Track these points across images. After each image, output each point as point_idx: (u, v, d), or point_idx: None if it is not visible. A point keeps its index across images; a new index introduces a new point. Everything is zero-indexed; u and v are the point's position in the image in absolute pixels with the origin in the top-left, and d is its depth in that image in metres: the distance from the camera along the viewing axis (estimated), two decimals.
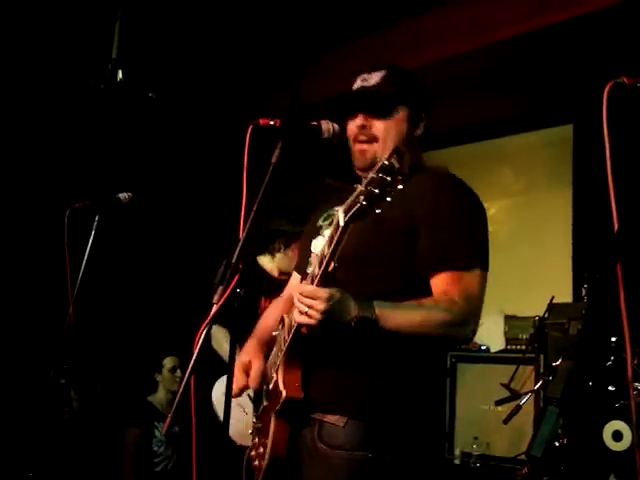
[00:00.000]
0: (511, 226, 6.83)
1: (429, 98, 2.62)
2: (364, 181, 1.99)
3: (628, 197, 2.18)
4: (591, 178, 6.21)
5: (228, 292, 2.11)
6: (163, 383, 5.90)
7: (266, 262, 4.37)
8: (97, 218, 3.73)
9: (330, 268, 2.16)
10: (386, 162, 1.95)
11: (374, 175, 1.96)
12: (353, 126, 2.52)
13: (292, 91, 6.90)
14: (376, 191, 1.95)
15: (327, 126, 2.42)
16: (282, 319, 2.47)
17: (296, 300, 2.14)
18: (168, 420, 2.24)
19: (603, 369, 4.18)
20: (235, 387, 2.43)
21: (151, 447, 5.64)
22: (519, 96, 6.59)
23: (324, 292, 2.10)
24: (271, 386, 2.44)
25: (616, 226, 2.07)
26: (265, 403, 2.51)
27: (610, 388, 4.12)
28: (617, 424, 3.89)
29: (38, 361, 4.17)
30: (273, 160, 2.32)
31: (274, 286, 4.20)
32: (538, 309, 5.37)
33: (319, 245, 2.52)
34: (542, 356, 5.32)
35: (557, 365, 3.99)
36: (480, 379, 5.78)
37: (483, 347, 6.08)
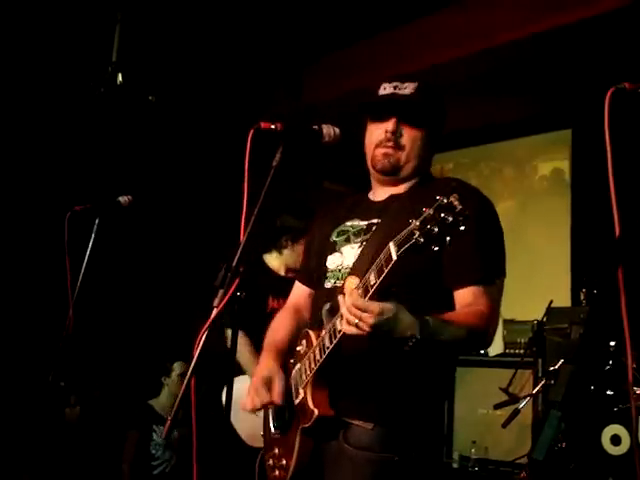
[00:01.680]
0: (510, 230, 6.82)
1: (446, 115, 2.65)
2: (420, 216, 1.96)
3: (628, 202, 2.19)
4: (590, 182, 6.23)
5: (229, 295, 2.11)
6: (169, 387, 5.89)
7: (273, 260, 4.34)
8: (97, 221, 3.72)
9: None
10: (445, 200, 1.93)
11: (431, 212, 1.94)
12: (380, 130, 2.51)
13: (293, 93, 6.91)
14: (435, 230, 1.93)
15: (328, 130, 2.42)
16: (307, 335, 2.48)
17: (345, 310, 2.11)
18: (167, 424, 2.23)
19: (602, 373, 4.19)
20: (258, 402, 2.45)
21: (149, 450, 5.64)
22: (518, 101, 6.61)
23: (377, 306, 2.07)
24: (297, 402, 2.44)
25: (617, 231, 2.07)
26: (287, 416, 2.51)
27: (609, 392, 4.13)
28: (615, 428, 3.90)
29: (38, 364, 4.16)
30: (274, 164, 2.32)
31: (281, 285, 4.21)
32: (536, 313, 5.39)
33: (337, 261, 2.55)
34: (540, 360, 5.32)
35: (557, 369, 4.01)
36: (478, 383, 5.79)
37: (482, 351, 6.09)
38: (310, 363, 2.39)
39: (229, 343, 3.53)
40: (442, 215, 1.92)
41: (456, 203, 1.92)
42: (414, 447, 2.34)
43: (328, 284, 2.54)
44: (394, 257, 2.02)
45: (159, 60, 5.81)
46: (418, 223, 1.96)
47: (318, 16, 5.92)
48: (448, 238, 1.94)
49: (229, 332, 3.47)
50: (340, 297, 2.17)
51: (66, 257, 3.66)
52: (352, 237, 2.56)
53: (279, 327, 2.75)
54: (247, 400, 2.51)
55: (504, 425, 4.46)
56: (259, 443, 2.77)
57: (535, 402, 4.96)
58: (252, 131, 2.33)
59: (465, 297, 2.37)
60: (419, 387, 2.38)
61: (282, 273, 4.30)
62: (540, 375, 5.13)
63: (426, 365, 2.37)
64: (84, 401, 5.80)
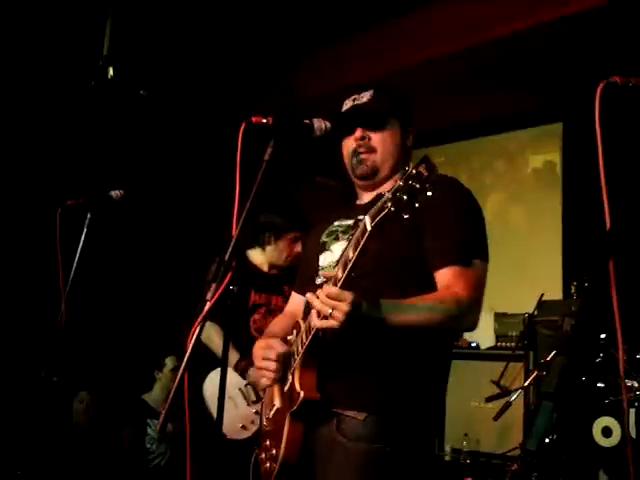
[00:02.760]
0: (501, 224, 6.86)
1: (412, 111, 2.76)
2: (392, 188, 2.05)
3: (618, 195, 2.20)
4: (581, 176, 6.25)
5: (221, 289, 2.12)
6: (162, 381, 5.90)
7: (256, 256, 4.33)
8: (89, 216, 3.72)
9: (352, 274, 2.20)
10: (414, 171, 2.02)
11: (401, 183, 2.02)
12: (351, 140, 2.65)
13: (284, 88, 6.90)
14: (405, 197, 2.01)
15: (319, 124, 2.45)
16: (297, 324, 2.52)
17: (317, 302, 2.17)
18: (161, 418, 2.23)
19: (593, 366, 4.21)
20: (271, 364, 2.49)
21: (144, 445, 5.65)
22: (510, 94, 6.62)
23: (349, 295, 2.15)
24: (286, 388, 2.47)
25: (608, 224, 2.09)
26: (278, 405, 2.53)
27: (600, 385, 4.15)
28: (606, 420, 3.92)
29: (30, 359, 4.15)
30: (266, 158, 2.34)
31: (264, 280, 4.22)
32: (528, 306, 5.41)
33: (329, 258, 2.63)
34: (532, 353, 5.35)
35: (550, 360, 4.03)
36: (470, 376, 5.80)
37: (473, 344, 6.11)
38: (297, 348, 2.43)
39: (203, 336, 3.54)
40: (410, 183, 2.01)
41: (423, 171, 2.01)
42: (407, 438, 2.37)
43: (319, 280, 2.60)
44: (368, 227, 2.09)
45: (150, 54, 5.79)
46: (390, 195, 2.04)
47: (310, 10, 5.91)
48: (417, 204, 2.01)
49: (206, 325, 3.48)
50: (310, 295, 2.23)
51: (58, 252, 3.66)
52: (340, 235, 2.65)
53: (275, 327, 2.84)
54: (260, 378, 2.58)
55: (496, 418, 4.48)
56: (238, 435, 2.79)
57: (527, 395, 4.99)
58: (243, 125, 2.34)
59: (443, 279, 2.41)
60: (410, 374, 2.40)
61: (265, 269, 4.29)
62: (531, 368, 5.16)
63: (415, 351, 2.40)
64: (95, 398, 5.82)
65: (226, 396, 2.17)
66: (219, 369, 3.75)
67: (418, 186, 2.00)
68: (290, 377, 2.44)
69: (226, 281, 2.13)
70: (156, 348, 6.03)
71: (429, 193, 2.01)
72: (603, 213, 2.10)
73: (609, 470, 3.87)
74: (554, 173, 6.95)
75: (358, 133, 2.62)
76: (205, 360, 3.68)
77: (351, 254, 2.17)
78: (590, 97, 2.09)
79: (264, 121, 2.36)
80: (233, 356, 3.88)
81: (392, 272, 2.42)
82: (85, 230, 3.71)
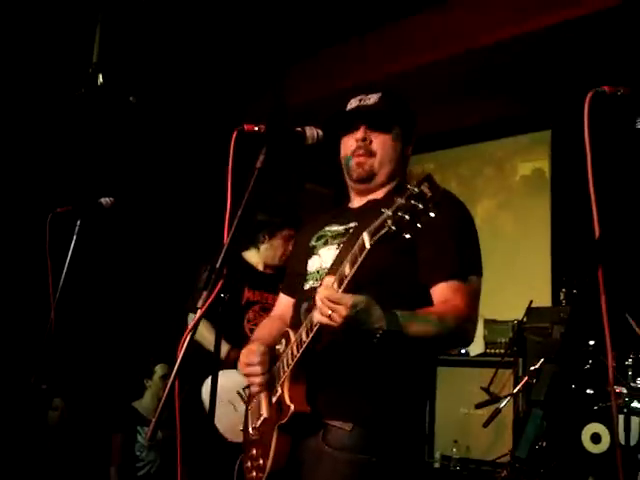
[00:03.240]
0: (490, 231, 6.88)
1: (416, 122, 2.73)
2: (392, 206, 2.02)
3: (606, 203, 2.22)
4: (569, 183, 6.28)
5: (212, 297, 2.12)
6: (152, 389, 5.89)
7: (252, 256, 4.38)
8: (79, 223, 3.71)
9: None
10: (416, 189, 1.99)
11: (403, 201, 1.99)
12: (352, 140, 2.61)
13: (275, 95, 6.91)
14: (407, 217, 1.99)
15: (311, 132, 2.45)
16: (286, 334, 2.50)
17: (319, 301, 2.16)
18: (151, 426, 2.22)
19: (582, 373, 4.23)
20: (257, 368, 2.48)
21: (134, 452, 5.63)
22: (499, 102, 6.65)
23: (349, 299, 2.12)
24: (274, 399, 2.46)
25: (596, 231, 2.10)
26: (265, 415, 2.51)
27: (589, 391, 4.16)
28: (596, 427, 3.94)
29: (20, 367, 4.13)
30: (258, 165, 2.33)
31: (259, 277, 4.27)
32: (517, 313, 5.42)
33: (316, 263, 2.60)
34: (521, 360, 5.36)
35: (538, 368, 4.04)
36: (460, 383, 5.82)
37: (462, 351, 6.12)
38: (287, 360, 2.41)
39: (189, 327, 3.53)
40: (412, 202, 1.98)
41: (426, 191, 1.99)
42: (393, 447, 2.36)
43: (307, 286, 2.58)
44: (367, 246, 2.07)
45: (140, 61, 5.79)
46: (390, 212, 2.01)
47: (301, 17, 5.93)
48: (419, 225, 1.99)
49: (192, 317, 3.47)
50: (317, 292, 2.20)
51: (47, 259, 3.65)
52: (330, 240, 2.62)
53: (263, 330, 2.81)
54: (252, 383, 2.55)
55: (485, 424, 4.50)
56: (238, 438, 2.78)
57: (516, 401, 5.00)
58: (235, 133, 2.34)
59: (441, 293, 2.40)
60: (397, 387, 2.40)
61: (260, 268, 4.37)
62: (521, 374, 5.17)
63: (404, 364, 2.39)
64: (69, 404, 5.79)
65: (225, 400, 2.17)
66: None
67: (421, 206, 1.97)
68: (279, 389, 2.43)
69: (217, 289, 2.13)
70: (146, 355, 6.01)
71: (432, 214, 1.98)
72: (592, 220, 2.12)
73: (599, 477, 3.88)
74: (543, 180, 6.98)
75: (360, 133, 2.58)
76: (201, 364, 3.69)
77: (347, 270, 2.15)
78: (579, 106, 2.11)
79: (256, 129, 2.36)
80: (224, 347, 3.89)
81: (384, 285, 2.39)
82: (75, 237, 3.69)
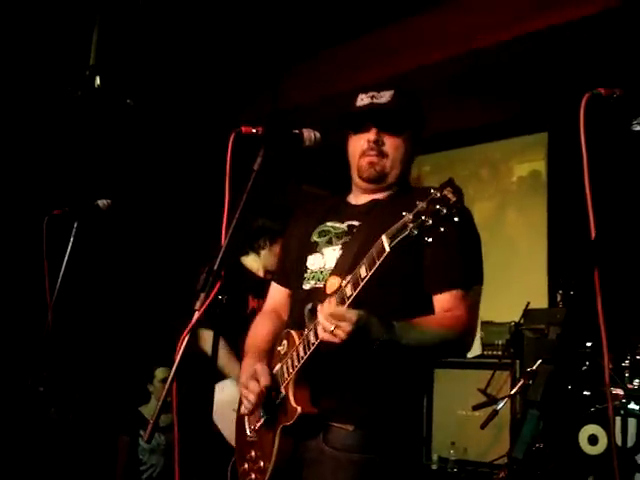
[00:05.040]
0: (487, 232, 6.86)
1: (425, 122, 2.70)
2: (413, 209, 2.01)
3: (603, 205, 2.22)
4: (566, 185, 6.29)
5: (210, 299, 2.12)
6: (154, 394, 5.90)
7: (251, 262, 4.33)
8: (76, 225, 3.71)
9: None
10: (438, 194, 1.98)
11: (424, 205, 1.98)
12: (362, 140, 2.56)
13: (272, 97, 6.91)
14: (430, 222, 1.97)
15: (309, 134, 2.43)
16: (289, 336, 2.49)
17: (322, 318, 2.16)
18: (149, 428, 2.23)
19: (579, 374, 4.23)
20: (252, 396, 2.46)
21: (137, 455, 5.64)
22: (495, 104, 6.66)
23: (353, 315, 2.13)
24: (277, 401, 2.45)
25: (593, 233, 2.10)
26: (265, 417, 2.50)
27: (585, 393, 4.17)
28: (592, 428, 3.94)
29: (17, 369, 4.13)
30: (255, 167, 2.33)
31: (261, 285, 4.20)
32: (514, 315, 5.43)
33: (318, 261, 2.56)
34: (518, 361, 5.36)
35: (535, 369, 4.05)
36: (457, 384, 5.81)
37: None
38: (293, 361, 2.40)
39: (201, 343, 3.52)
40: (437, 207, 1.96)
41: (450, 196, 1.97)
42: (394, 448, 2.37)
43: (307, 285, 2.55)
44: (387, 249, 2.06)
45: (138, 63, 5.79)
46: (411, 216, 2.00)
47: (296, 20, 5.93)
48: (442, 229, 1.98)
49: (202, 332, 3.45)
50: (319, 306, 2.20)
51: (44, 261, 3.65)
52: (334, 239, 2.57)
53: (259, 331, 2.76)
54: (244, 403, 2.52)
55: (482, 426, 4.49)
56: None
57: (513, 403, 4.99)
58: (233, 135, 2.33)
59: (444, 302, 2.41)
60: (398, 389, 2.41)
61: (261, 274, 4.30)
62: (518, 376, 5.17)
63: (404, 368, 2.40)
64: (63, 411, 5.77)
65: (228, 406, 2.17)
66: (222, 382, 3.76)
67: (445, 211, 1.96)
68: (283, 391, 2.42)
69: (215, 291, 2.13)
70: (146, 359, 6.00)
71: (456, 219, 1.97)
72: (588, 222, 2.12)
73: (598, 478, 3.88)
74: (539, 182, 6.99)
75: (372, 135, 2.54)
76: (204, 370, 3.68)
77: (364, 272, 2.13)
78: (575, 107, 2.12)
79: (254, 131, 2.35)
80: (237, 369, 3.88)
81: (392, 288, 2.39)
82: (72, 239, 3.69)
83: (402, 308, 2.37)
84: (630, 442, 3.76)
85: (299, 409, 2.33)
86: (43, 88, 5.80)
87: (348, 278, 2.20)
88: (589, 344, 4.29)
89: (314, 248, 2.61)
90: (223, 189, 2.25)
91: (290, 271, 2.72)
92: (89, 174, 6.04)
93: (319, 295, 2.37)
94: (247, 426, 2.64)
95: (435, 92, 6.30)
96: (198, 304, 2.11)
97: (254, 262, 4.33)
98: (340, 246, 2.53)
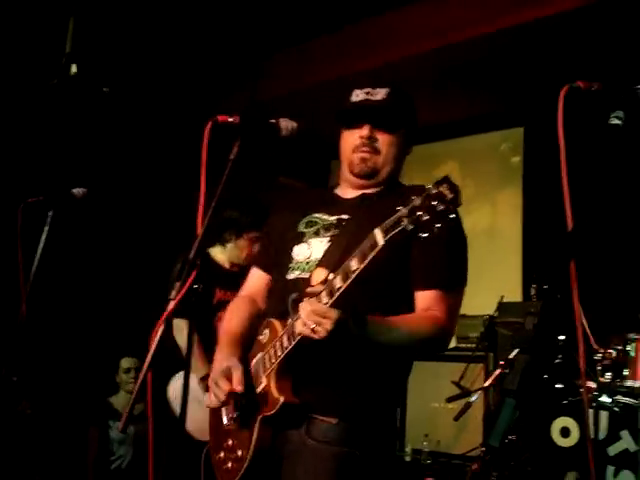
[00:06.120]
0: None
1: (417, 120, 2.72)
2: (407, 204, 2.00)
3: (579, 198, 2.23)
4: (541, 178, 6.33)
5: (185, 288, 2.11)
6: (121, 384, 5.90)
7: (217, 253, 4.31)
8: (51, 213, 3.67)
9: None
10: (434, 190, 1.98)
11: (420, 201, 1.97)
12: (356, 136, 2.56)
13: (249, 87, 6.88)
14: (425, 217, 1.96)
15: (286, 124, 2.43)
16: (270, 325, 2.48)
17: (304, 313, 2.16)
18: (123, 419, 2.21)
19: (552, 367, 4.27)
20: (220, 394, 2.44)
21: (108, 446, 5.62)
22: (471, 99, 6.67)
23: (335, 314, 2.13)
24: (258, 390, 2.44)
25: (569, 225, 2.11)
26: (246, 406, 2.48)
27: (558, 385, 4.20)
28: (565, 421, 3.97)
29: None
30: (231, 157, 2.32)
31: (228, 277, 4.18)
32: (487, 308, 5.46)
33: (304, 252, 2.54)
34: (492, 354, 5.40)
35: (512, 358, 4.07)
36: (431, 377, 5.84)
37: None
38: (276, 351, 2.38)
39: (175, 332, 3.51)
40: (433, 203, 1.96)
41: (446, 192, 1.97)
42: (374, 441, 2.39)
43: (292, 275, 2.52)
44: (380, 242, 2.05)
45: (114, 51, 5.75)
46: (406, 211, 1.99)
47: (276, 10, 5.91)
48: (438, 225, 1.97)
49: (176, 321, 3.44)
50: (302, 303, 2.20)
51: (19, 250, 3.61)
52: (322, 231, 2.55)
53: (235, 317, 2.72)
54: (210, 397, 2.50)
55: (456, 418, 4.51)
56: (205, 437, 2.76)
57: (486, 395, 5.03)
58: (209, 124, 2.32)
59: (425, 300, 2.42)
60: (380, 383, 2.43)
61: (227, 267, 4.30)
62: (491, 369, 5.20)
63: (386, 362, 2.42)
64: (36, 402, 5.74)
65: (191, 397, 2.15)
66: (182, 373, 3.75)
67: (442, 207, 1.96)
68: (265, 380, 2.41)
69: (190, 280, 2.11)
70: (113, 349, 5.99)
71: (452, 216, 1.98)
72: (564, 216, 2.13)
73: (571, 470, 3.91)
74: (515, 176, 7.01)
75: (366, 131, 2.53)
76: (168, 361, 3.66)
77: (355, 265, 2.12)
78: (552, 102, 2.12)
79: (230, 120, 2.35)
80: (201, 370, 3.86)
81: (379, 283, 2.38)
82: (46, 228, 3.65)
83: (387, 303, 2.38)
84: (602, 435, 3.79)
85: (282, 399, 2.32)
86: (19, 76, 5.75)
87: (337, 270, 2.19)
88: (562, 337, 4.32)
89: (300, 238, 2.59)
90: (199, 179, 2.24)
91: (272, 258, 2.70)
92: (64, 162, 5.99)
93: (304, 285, 2.36)
94: (224, 414, 2.61)
95: (410, 87, 6.28)
96: (174, 293, 2.10)
97: (221, 254, 4.31)
98: (328, 238, 2.51)
